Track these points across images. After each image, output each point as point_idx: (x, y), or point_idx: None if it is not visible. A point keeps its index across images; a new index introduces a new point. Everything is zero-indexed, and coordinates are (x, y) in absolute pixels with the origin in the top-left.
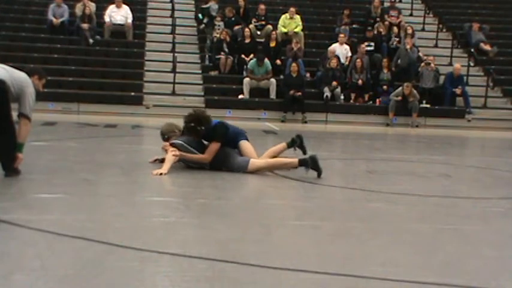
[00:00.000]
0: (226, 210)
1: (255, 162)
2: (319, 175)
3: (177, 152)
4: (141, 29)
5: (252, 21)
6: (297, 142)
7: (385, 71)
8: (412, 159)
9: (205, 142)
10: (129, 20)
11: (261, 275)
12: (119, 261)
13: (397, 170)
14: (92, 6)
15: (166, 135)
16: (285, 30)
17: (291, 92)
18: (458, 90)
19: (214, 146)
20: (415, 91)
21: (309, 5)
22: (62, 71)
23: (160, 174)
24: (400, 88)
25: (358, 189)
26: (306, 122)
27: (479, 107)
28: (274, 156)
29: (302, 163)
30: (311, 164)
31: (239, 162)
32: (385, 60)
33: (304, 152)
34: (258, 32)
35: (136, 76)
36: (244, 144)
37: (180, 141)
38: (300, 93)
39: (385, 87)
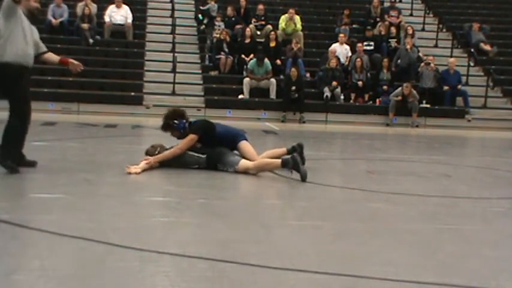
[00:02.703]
0: (226, 210)
1: (245, 162)
2: (302, 178)
3: (149, 160)
4: (141, 29)
5: (252, 21)
6: (297, 150)
7: (385, 71)
8: (412, 159)
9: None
10: (129, 20)
11: (261, 275)
12: (119, 261)
13: (397, 170)
14: (93, 7)
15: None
16: (284, 28)
17: (293, 92)
18: (458, 87)
19: (189, 137)
20: (414, 91)
21: (309, 5)
22: (62, 71)
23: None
24: (400, 88)
25: (358, 189)
26: (304, 122)
27: (479, 107)
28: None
29: (284, 164)
30: (292, 164)
31: (232, 160)
32: (385, 60)
33: (303, 162)
34: (258, 32)
35: (137, 76)
36: (244, 145)
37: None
38: (293, 92)
39: (385, 87)
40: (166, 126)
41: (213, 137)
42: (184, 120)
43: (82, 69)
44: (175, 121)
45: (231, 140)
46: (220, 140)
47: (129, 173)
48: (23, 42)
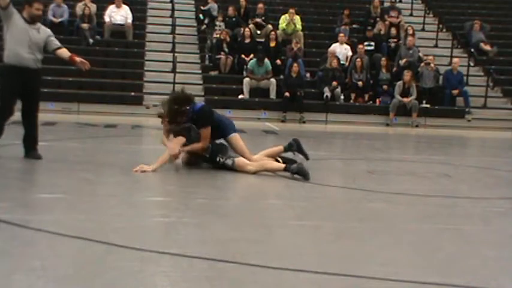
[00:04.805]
0: (226, 210)
1: (243, 161)
2: (306, 178)
3: (177, 151)
4: (141, 29)
5: (254, 21)
6: (293, 146)
7: (384, 70)
8: (412, 159)
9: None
10: (129, 20)
11: (261, 275)
12: (119, 261)
13: (397, 170)
14: (93, 7)
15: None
16: (284, 28)
17: (286, 94)
18: (456, 92)
19: (205, 132)
20: (414, 84)
21: (309, 5)
22: (62, 71)
23: (144, 171)
24: (400, 82)
25: (358, 189)
26: (304, 122)
27: (479, 107)
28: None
29: (287, 169)
30: (296, 170)
31: (233, 154)
32: (383, 59)
33: (306, 157)
34: (258, 32)
35: (136, 76)
36: (235, 138)
37: (196, 132)
38: (288, 94)
39: (385, 87)
40: (178, 112)
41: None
42: (191, 105)
43: (89, 67)
44: (187, 107)
45: (223, 129)
46: (213, 128)
47: (142, 171)
48: (15, 45)
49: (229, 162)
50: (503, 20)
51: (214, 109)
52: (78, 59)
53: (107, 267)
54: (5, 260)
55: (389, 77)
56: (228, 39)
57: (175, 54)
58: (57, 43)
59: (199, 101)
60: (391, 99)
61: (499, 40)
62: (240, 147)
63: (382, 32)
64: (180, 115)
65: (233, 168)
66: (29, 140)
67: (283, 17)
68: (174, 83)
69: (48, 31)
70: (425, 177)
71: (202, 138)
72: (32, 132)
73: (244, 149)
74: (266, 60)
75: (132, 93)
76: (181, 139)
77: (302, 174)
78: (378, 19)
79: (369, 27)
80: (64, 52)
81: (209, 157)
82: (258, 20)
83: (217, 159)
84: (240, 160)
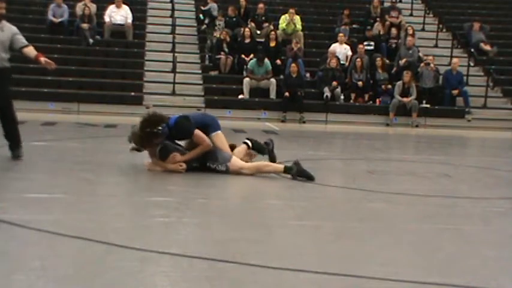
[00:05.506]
0: (226, 210)
1: (239, 161)
2: (311, 179)
3: (183, 165)
4: (141, 29)
5: (251, 24)
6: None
7: (380, 71)
8: (412, 159)
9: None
10: (129, 20)
11: (261, 275)
12: (119, 261)
13: (397, 170)
14: (93, 7)
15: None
16: (284, 28)
17: (286, 94)
18: (455, 92)
19: (197, 137)
20: (413, 85)
21: (309, 5)
22: (62, 71)
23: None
24: (400, 82)
25: (358, 189)
26: (304, 122)
27: (479, 107)
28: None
29: (287, 170)
30: (296, 171)
31: (223, 156)
32: (378, 59)
33: (263, 153)
34: (258, 32)
35: (136, 76)
36: (216, 137)
37: (172, 146)
38: (287, 94)
39: (388, 86)
40: (150, 135)
41: None
42: (165, 124)
43: (55, 66)
44: (159, 128)
45: (204, 129)
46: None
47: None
48: None
49: (222, 168)
50: (503, 20)
51: (204, 111)
52: (43, 58)
53: (107, 267)
54: (5, 260)
55: (387, 76)
56: (228, 39)
57: (175, 54)
58: (23, 41)
59: (172, 115)
60: (391, 99)
61: (499, 40)
62: (219, 145)
63: (382, 32)
64: (154, 137)
65: (227, 173)
66: (11, 138)
67: (283, 17)
68: (174, 83)
69: (14, 29)
70: (425, 177)
71: (200, 141)
72: (12, 131)
73: (223, 147)
74: (266, 60)
75: (132, 93)
76: (176, 155)
77: (305, 176)
78: (377, 19)
79: (369, 27)
80: (31, 51)
81: (199, 166)
82: (266, 24)
83: (208, 165)
84: (233, 166)
